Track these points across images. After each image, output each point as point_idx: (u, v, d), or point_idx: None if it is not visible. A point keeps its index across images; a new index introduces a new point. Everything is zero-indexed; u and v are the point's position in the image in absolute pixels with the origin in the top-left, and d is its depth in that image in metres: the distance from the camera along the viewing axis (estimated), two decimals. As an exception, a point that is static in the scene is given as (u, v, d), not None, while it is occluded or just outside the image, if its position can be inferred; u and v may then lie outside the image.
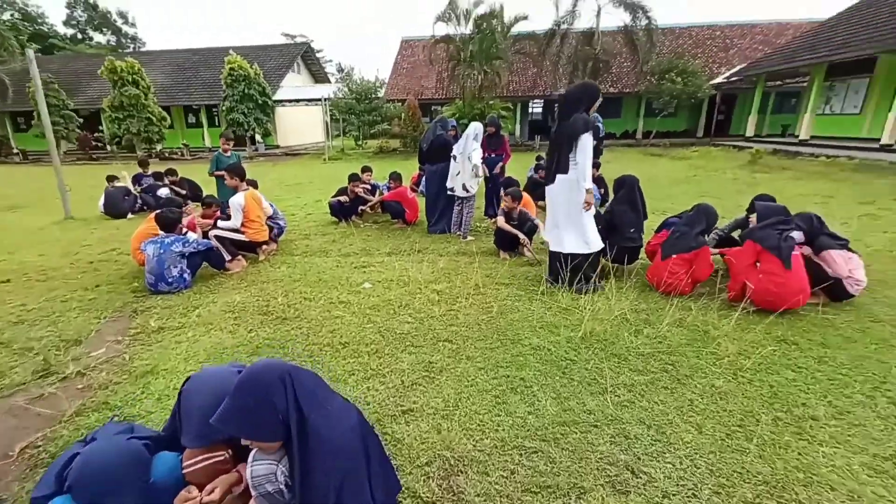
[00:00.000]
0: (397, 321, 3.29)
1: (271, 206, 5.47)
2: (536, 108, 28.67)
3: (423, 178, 6.49)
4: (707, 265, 3.33)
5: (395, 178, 6.71)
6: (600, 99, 3.51)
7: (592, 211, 3.56)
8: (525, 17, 18.26)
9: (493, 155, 6.67)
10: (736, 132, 23.62)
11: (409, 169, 9.73)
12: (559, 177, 3.55)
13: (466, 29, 18.75)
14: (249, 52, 24.68)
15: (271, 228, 5.28)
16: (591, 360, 2.63)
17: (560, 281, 3.68)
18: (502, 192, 5.08)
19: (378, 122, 21.23)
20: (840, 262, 3.06)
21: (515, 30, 19.53)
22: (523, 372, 2.53)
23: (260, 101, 20.93)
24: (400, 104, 21.31)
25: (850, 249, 3.12)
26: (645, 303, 3.37)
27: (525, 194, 5.40)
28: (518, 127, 23.60)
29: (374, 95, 21.27)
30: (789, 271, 2.86)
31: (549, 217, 3.82)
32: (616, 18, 19.03)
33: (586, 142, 3.34)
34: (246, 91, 20.35)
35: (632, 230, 3.90)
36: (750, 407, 2.14)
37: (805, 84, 19.73)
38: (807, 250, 3.15)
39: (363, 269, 4.58)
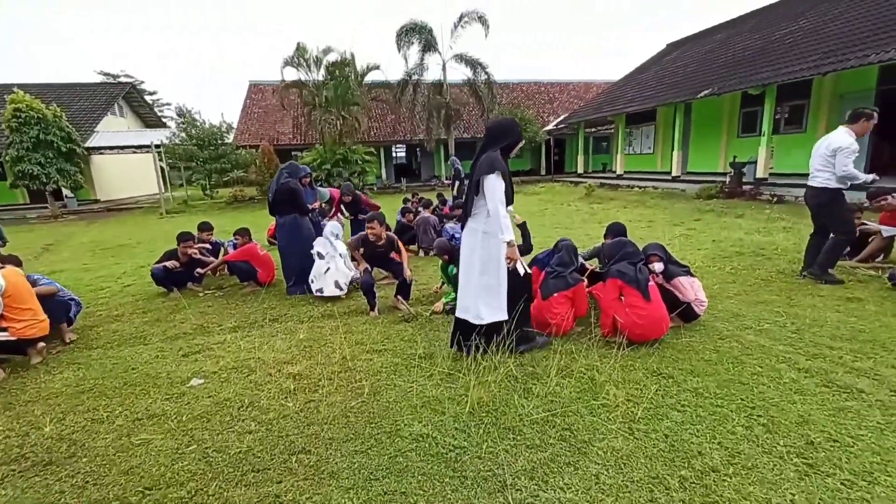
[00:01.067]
0: (234, 433, 2.43)
1: (51, 283, 4.03)
2: (400, 152, 29.53)
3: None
4: (585, 300, 3.32)
5: (243, 233, 5.69)
6: (521, 141, 3.09)
7: (515, 268, 2.95)
8: (377, 67, 18.78)
9: (360, 217, 6.41)
10: (569, 169, 27.63)
11: (267, 220, 8.62)
12: (468, 223, 3.03)
13: (318, 75, 18.43)
14: (48, 90, 20.33)
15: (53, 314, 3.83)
16: (484, 441, 2.21)
17: (467, 350, 3.05)
18: (366, 222, 4.68)
19: (228, 169, 19.14)
20: (688, 288, 3.29)
21: (369, 78, 19.93)
22: (404, 481, 1.96)
23: (64, 149, 17.05)
24: (254, 150, 19.62)
25: (691, 274, 3.39)
26: (528, 352, 3.14)
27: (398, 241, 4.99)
28: (384, 171, 23.75)
29: (220, 141, 19.21)
30: (650, 303, 2.93)
31: (462, 273, 3.10)
32: (460, 73, 20.83)
33: (493, 184, 2.78)
34: (42, 136, 16.41)
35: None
36: (654, 470, 1.94)
37: (612, 130, 24.25)
38: (660, 279, 3.34)
39: (195, 357, 3.53)
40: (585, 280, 3.64)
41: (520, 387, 2.70)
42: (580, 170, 22.94)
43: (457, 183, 9.13)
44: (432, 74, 21.61)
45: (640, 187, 16.08)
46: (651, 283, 3.02)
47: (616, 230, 4.05)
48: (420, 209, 7.18)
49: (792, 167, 13.06)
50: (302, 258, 4.98)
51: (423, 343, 3.45)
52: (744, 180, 12.23)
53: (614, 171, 20.39)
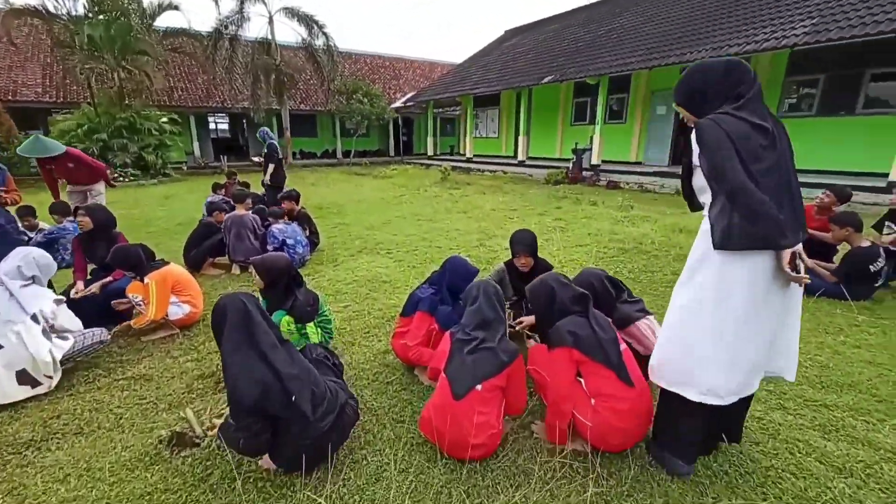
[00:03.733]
0: None
1: None
2: (221, 122, 24.33)
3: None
4: (523, 387, 1.91)
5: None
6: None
7: None
8: (174, 7, 14.26)
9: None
10: (418, 151, 26.87)
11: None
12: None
13: (77, 3, 13.06)
14: None
15: None
16: None
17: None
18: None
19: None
20: (650, 335, 2.20)
21: (164, 22, 15.18)
22: None
23: None
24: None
25: (647, 311, 2.31)
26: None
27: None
28: (196, 145, 18.91)
29: None
30: (633, 388, 1.69)
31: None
32: (293, 32, 17.59)
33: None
34: None
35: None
36: None
37: (459, 112, 24.18)
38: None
39: None
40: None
41: None
42: (430, 152, 22.23)
43: (270, 167, 6.80)
44: (257, 29, 17.79)
45: (490, 171, 16.01)
46: (622, 346, 1.78)
47: (526, 242, 2.75)
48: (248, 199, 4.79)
49: (615, 155, 14.43)
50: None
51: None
52: (583, 166, 12.94)
53: (463, 154, 20.22)
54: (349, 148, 21.41)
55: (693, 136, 1.57)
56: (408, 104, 22.22)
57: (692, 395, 1.60)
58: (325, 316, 2.78)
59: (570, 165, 12.86)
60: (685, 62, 10.32)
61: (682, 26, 12.05)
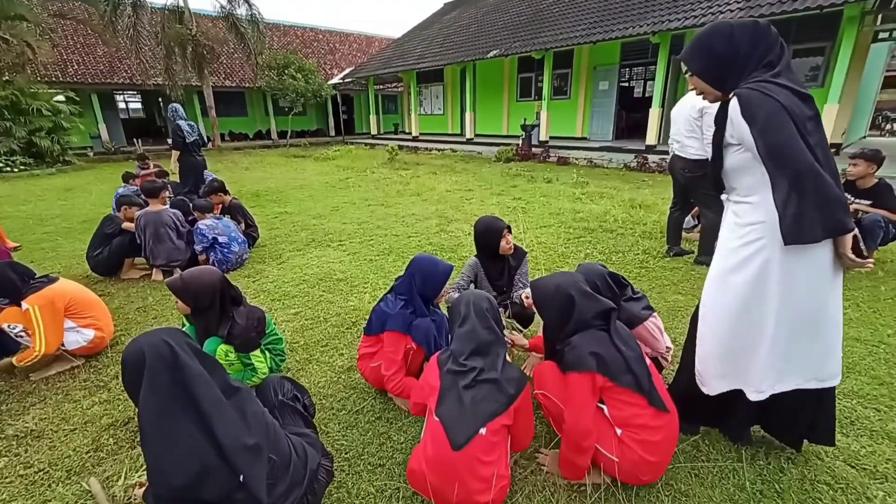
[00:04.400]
0: None
1: None
2: (132, 102, 21.58)
3: None
4: (531, 419, 1.53)
5: None
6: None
7: None
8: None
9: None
10: (360, 130, 25.63)
11: None
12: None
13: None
14: None
15: None
16: None
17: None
18: None
19: None
20: (657, 335, 1.97)
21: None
22: None
23: None
24: None
25: (650, 308, 2.06)
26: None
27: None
28: (102, 128, 16.56)
29: None
30: (667, 414, 1.42)
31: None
32: (211, 0, 15.63)
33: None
34: None
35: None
36: None
37: (401, 89, 23.22)
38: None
39: None
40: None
41: None
42: (374, 131, 21.24)
43: (174, 152, 5.67)
44: (164, -6, 15.63)
45: (439, 150, 15.51)
46: (647, 360, 1.49)
47: (503, 224, 2.40)
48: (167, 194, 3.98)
49: (562, 131, 14.49)
50: None
51: None
52: (532, 143, 12.83)
53: (409, 133, 19.47)
54: (285, 128, 19.84)
55: (735, 109, 1.30)
56: (346, 80, 20.92)
57: (754, 396, 1.48)
58: (274, 335, 2.28)
59: (520, 142, 12.69)
60: (627, 37, 10.36)
61: (623, 1, 12.07)
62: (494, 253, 2.38)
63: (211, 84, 17.08)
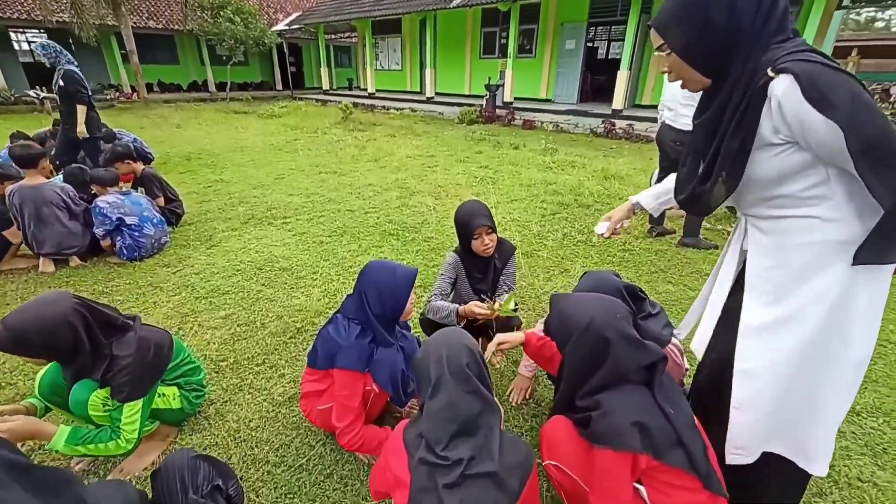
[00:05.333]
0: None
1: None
2: (36, 40, 18.42)
3: None
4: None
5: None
6: None
7: None
8: None
9: None
10: (311, 85, 23.63)
11: None
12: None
13: None
14: None
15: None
16: None
17: None
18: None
19: None
20: (679, 359, 1.61)
21: None
22: None
23: None
24: None
25: (670, 323, 1.69)
26: None
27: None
28: (-2, 73, 14.02)
29: None
30: (724, 499, 1.04)
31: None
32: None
33: None
34: None
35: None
36: None
37: (356, 39, 21.38)
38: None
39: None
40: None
41: None
42: (326, 86, 19.59)
43: (80, 110, 4.37)
44: None
45: (397, 109, 14.49)
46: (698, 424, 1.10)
47: (485, 213, 1.90)
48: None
49: (526, 92, 13.87)
50: None
51: None
52: (496, 104, 12.17)
53: (365, 90, 18.09)
54: (224, 79, 17.78)
55: (792, 93, 0.87)
56: (293, 27, 18.89)
57: (817, 470, 1.10)
58: (188, 362, 1.72)
59: (484, 103, 12.00)
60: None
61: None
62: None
63: (131, 24, 14.76)
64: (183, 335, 2.36)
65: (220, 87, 18.33)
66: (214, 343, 2.30)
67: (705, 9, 0.92)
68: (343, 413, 1.42)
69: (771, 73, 0.90)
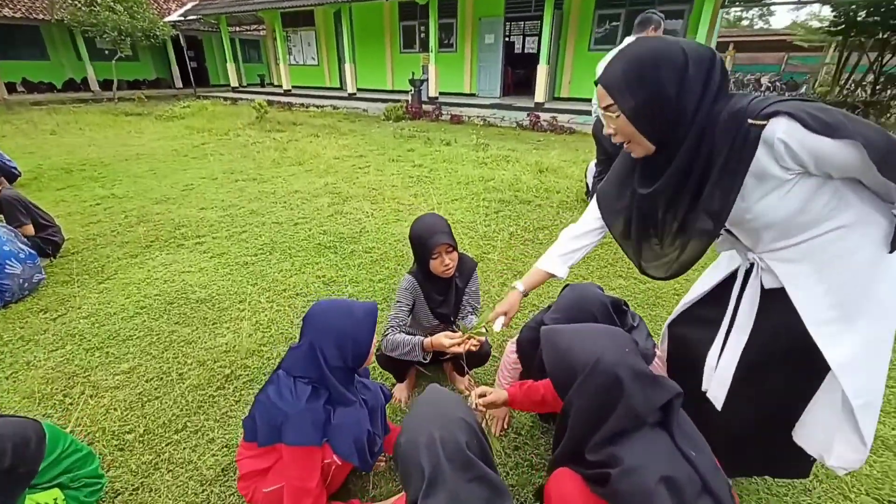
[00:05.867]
0: None
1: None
2: None
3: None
4: None
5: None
6: None
7: None
8: None
9: None
10: (217, 82, 21.64)
11: None
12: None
13: None
14: None
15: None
16: None
17: None
18: None
19: None
20: (662, 371, 1.50)
21: None
22: None
23: None
24: None
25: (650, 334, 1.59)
26: None
27: None
28: None
29: None
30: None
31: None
32: None
33: None
34: None
35: None
36: None
37: (264, 32, 19.89)
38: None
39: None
40: None
41: None
42: (234, 83, 18.02)
43: None
44: None
45: (317, 107, 13.69)
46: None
47: (444, 229, 1.68)
48: None
49: (450, 87, 13.82)
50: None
51: None
52: (422, 99, 11.95)
53: (279, 86, 16.89)
54: (109, 77, 15.55)
55: (795, 132, 0.88)
56: (189, 17, 17.04)
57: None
58: (72, 451, 1.30)
59: (409, 99, 11.72)
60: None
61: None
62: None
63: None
64: (70, 405, 1.86)
65: (105, 85, 16.03)
66: (116, 409, 1.83)
67: (656, 77, 0.92)
68: (298, 498, 1.12)
69: (757, 122, 0.90)
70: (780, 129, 0.89)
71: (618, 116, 1.00)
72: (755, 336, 1.15)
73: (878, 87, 10.02)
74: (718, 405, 1.24)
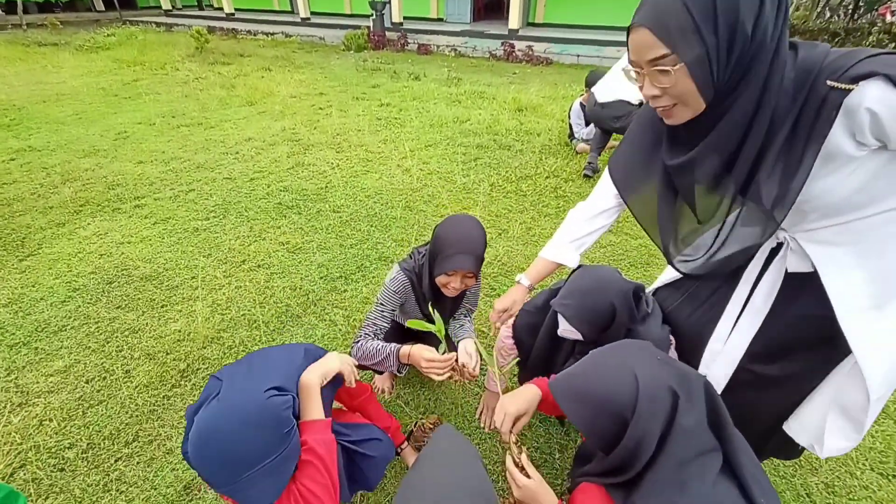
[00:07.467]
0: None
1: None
2: None
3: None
4: None
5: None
6: None
7: None
8: None
9: None
10: (147, 4, 18.91)
11: None
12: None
13: None
14: None
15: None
16: None
17: None
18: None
19: None
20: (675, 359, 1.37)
21: None
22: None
23: None
24: None
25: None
26: None
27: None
28: None
29: None
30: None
31: None
32: None
33: None
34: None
35: None
36: None
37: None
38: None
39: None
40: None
41: None
42: (166, 4, 15.78)
43: None
44: None
45: (267, 34, 12.21)
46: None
47: (474, 251, 1.29)
48: None
49: (415, 11, 12.55)
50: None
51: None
52: (385, 26, 10.80)
53: (220, 9, 14.91)
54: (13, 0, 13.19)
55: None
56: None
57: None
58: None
59: (371, 24, 10.57)
60: None
61: None
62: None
63: None
64: (-7, 418, 1.58)
65: (9, 7, 13.64)
66: (51, 419, 1.58)
67: (735, 6, 0.68)
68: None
69: (840, 85, 0.68)
70: (873, 97, 0.67)
71: (674, 71, 0.73)
72: (769, 321, 1.00)
73: (856, 15, 9.74)
74: (719, 389, 1.13)
